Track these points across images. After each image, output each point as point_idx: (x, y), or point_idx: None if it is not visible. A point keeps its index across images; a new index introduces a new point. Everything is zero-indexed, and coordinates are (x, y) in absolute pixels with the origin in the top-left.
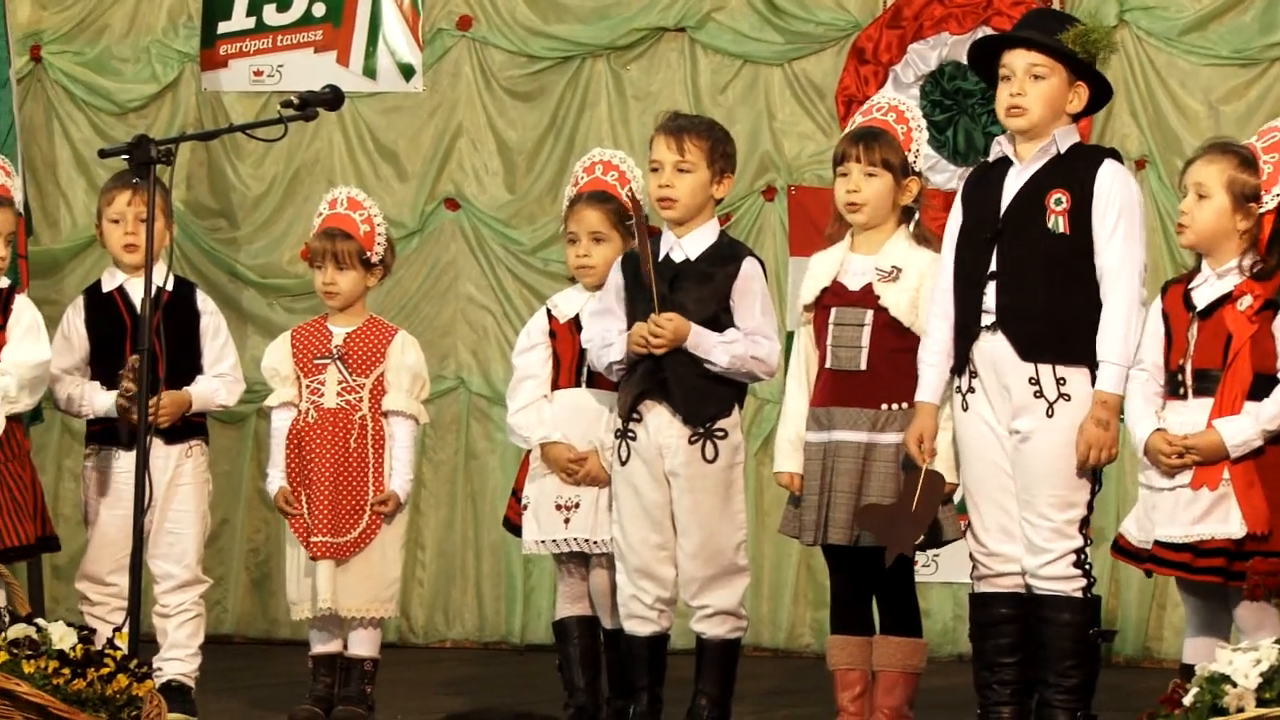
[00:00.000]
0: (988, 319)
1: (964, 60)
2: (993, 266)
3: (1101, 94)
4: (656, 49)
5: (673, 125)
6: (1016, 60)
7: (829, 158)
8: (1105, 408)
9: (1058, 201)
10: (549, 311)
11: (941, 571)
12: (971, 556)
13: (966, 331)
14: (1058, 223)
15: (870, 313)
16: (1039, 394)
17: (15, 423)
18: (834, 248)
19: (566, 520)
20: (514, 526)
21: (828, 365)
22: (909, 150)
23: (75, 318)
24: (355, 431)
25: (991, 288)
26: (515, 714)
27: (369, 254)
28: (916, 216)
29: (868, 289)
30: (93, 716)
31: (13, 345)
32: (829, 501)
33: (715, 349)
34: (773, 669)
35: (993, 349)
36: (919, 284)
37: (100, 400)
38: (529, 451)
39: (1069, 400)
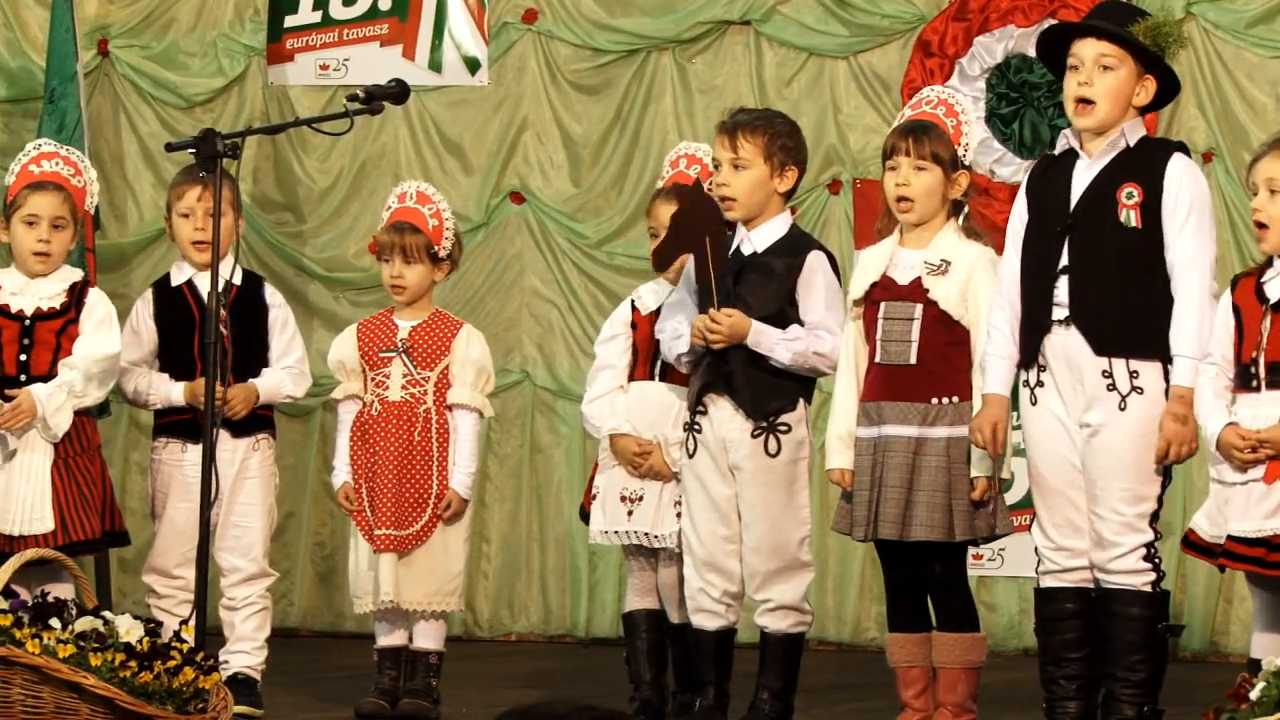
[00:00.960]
0: (1060, 313)
1: (1030, 53)
2: (1065, 260)
3: (1168, 89)
4: (722, 42)
5: (728, 123)
6: (1086, 50)
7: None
8: (1182, 403)
9: (1129, 195)
10: (633, 303)
11: (1007, 566)
12: (1037, 551)
13: (1037, 325)
14: (1129, 216)
15: (919, 307)
16: (1112, 387)
17: (84, 417)
18: (883, 242)
19: (630, 512)
20: (588, 515)
21: (877, 360)
22: (959, 143)
23: (144, 311)
24: (420, 425)
25: (1064, 282)
26: (580, 707)
27: (437, 248)
28: (966, 210)
29: (916, 283)
30: (159, 709)
31: (84, 338)
32: (879, 497)
33: (777, 346)
34: (837, 663)
35: (1065, 343)
36: (968, 277)
37: (169, 390)
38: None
39: (1142, 394)
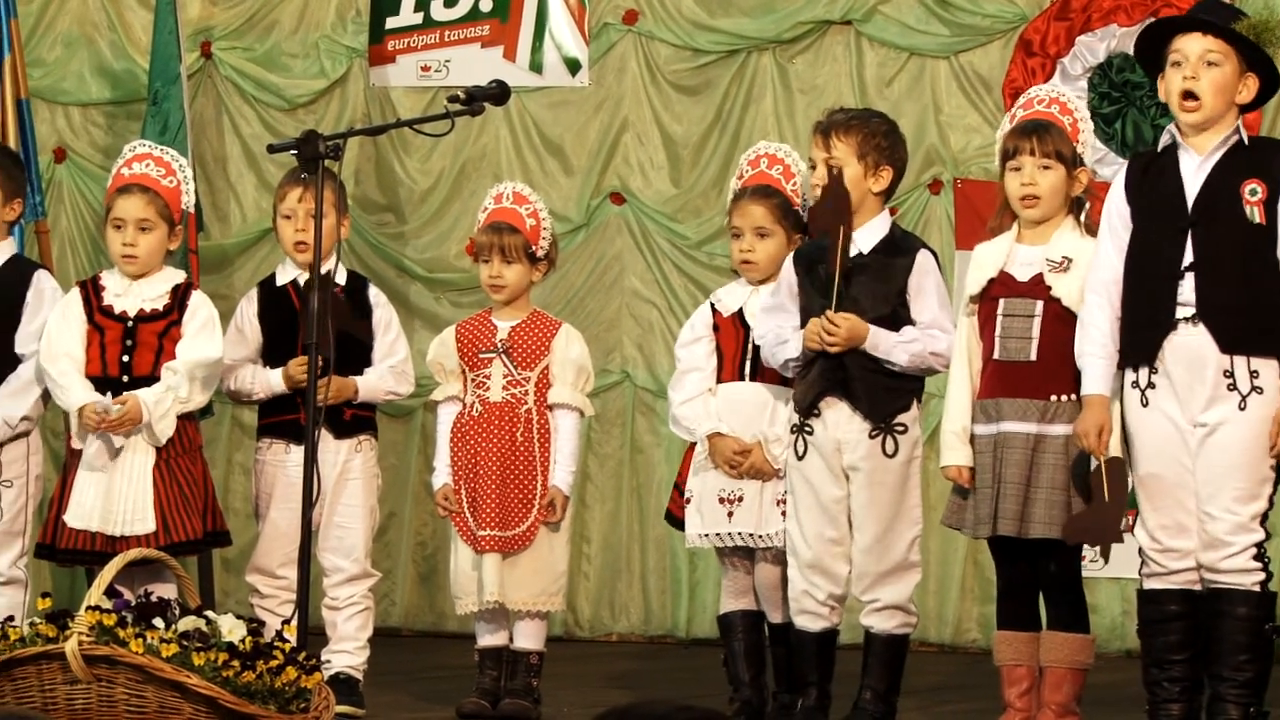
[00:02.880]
0: (1185, 311)
1: (1132, 52)
2: (1189, 258)
3: (1269, 87)
4: (822, 42)
5: (823, 122)
6: (1191, 45)
7: (995, 151)
8: None
9: (1253, 192)
10: (712, 305)
11: (1110, 567)
12: (1141, 553)
13: (1156, 325)
14: (1254, 213)
15: (1040, 303)
16: (1232, 386)
17: (186, 419)
18: (999, 239)
19: (730, 514)
20: (676, 519)
21: (995, 356)
22: (1077, 141)
23: (249, 310)
24: (521, 425)
25: (1189, 279)
26: (679, 707)
27: (535, 248)
28: (1087, 207)
29: (1037, 279)
30: (261, 708)
31: (187, 341)
32: (999, 493)
33: (894, 349)
34: (939, 664)
35: (1189, 342)
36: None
37: (269, 379)
38: (692, 444)
39: (1261, 393)
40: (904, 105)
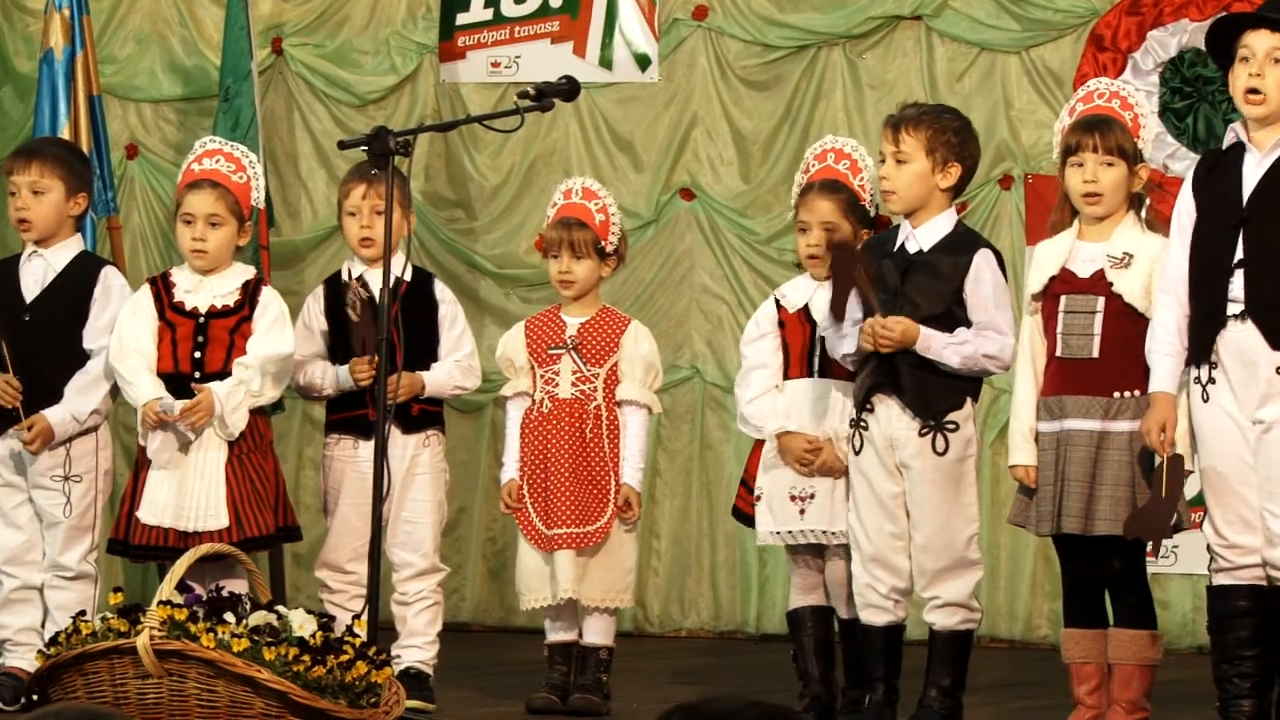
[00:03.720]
0: (1235, 308)
1: (1204, 47)
2: (1239, 255)
3: None
4: (893, 37)
5: (894, 117)
6: (1259, 41)
7: (1054, 144)
8: None
9: None
10: (777, 301)
11: (1180, 563)
12: (1209, 549)
13: (1211, 321)
14: None
15: (1102, 300)
16: None
17: (257, 414)
18: (1060, 235)
19: (802, 511)
20: (743, 516)
21: (1058, 353)
22: (1137, 136)
23: (315, 306)
24: (590, 421)
25: (1239, 276)
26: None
27: (604, 243)
28: (1148, 203)
29: (1099, 276)
30: (332, 703)
31: (258, 336)
32: (1062, 491)
33: (945, 350)
34: (1009, 660)
35: (1240, 338)
36: (1151, 269)
37: (336, 374)
38: (759, 441)
39: None
40: (974, 100)
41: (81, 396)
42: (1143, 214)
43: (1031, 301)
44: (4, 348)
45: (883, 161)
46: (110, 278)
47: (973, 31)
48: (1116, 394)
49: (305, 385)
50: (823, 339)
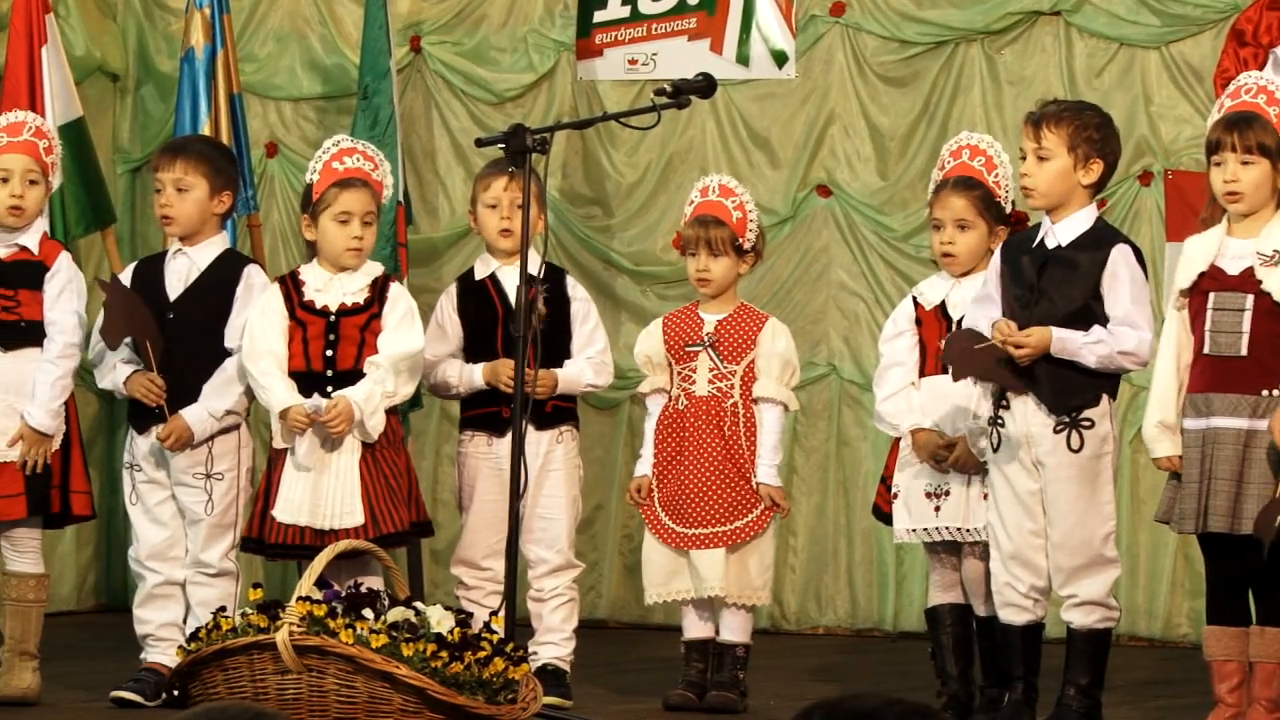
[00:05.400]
0: None
1: None
2: None
3: None
4: (1031, 33)
5: (1035, 114)
6: None
7: (1205, 141)
8: None
9: None
10: (914, 299)
11: None
12: None
13: None
14: None
15: (1251, 297)
16: None
17: (389, 412)
18: (1210, 231)
19: (937, 509)
20: (883, 514)
21: (1206, 351)
22: None
23: (448, 305)
24: (727, 419)
25: None
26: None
27: (741, 241)
28: None
29: (1248, 273)
30: (470, 699)
31: (388, 334)
32: (1208, 489)
33: (1081, 350)
34: (1149, 659)
35: None
36: None
37: (470, 374)
38: (898, 439)
39: None
40: (1114, 96)
41: (217, 395)
42: None
43: (1179, 297)
44: (148, 347)
45: (1023, 158)
46: (253, 276)
47: (1112, 27)
48: (1265, 392)
49: (438, 384)
50: None
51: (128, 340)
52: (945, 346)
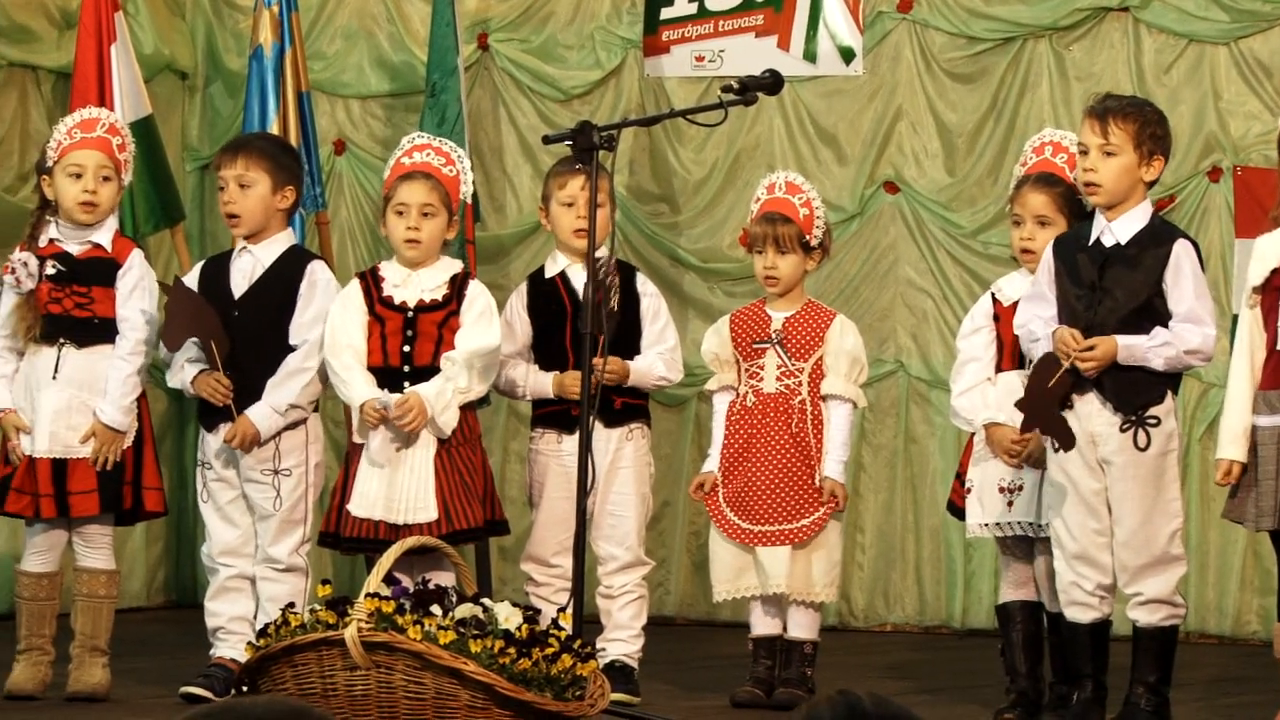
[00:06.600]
0: None
1: None
2: None
3: None
4: (1099, 29)
5: (1098, 108)
6: None
7: (1276, 138)
8: None
9: None
10: (993, 295)
11: None
12: None
13: None
14: None
15: None
16: None
17: (466, 408)
18: None
19: (1010, 503)
20: (957, 509)
21: (1278, 347)
22: None
23: (518, 303)
24: (795, 416)
25: None
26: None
27: (808, 238)
28: None
29: None
30: (538, 696)
31: (466, 330)
32: None
33: (1148, 355)
34: (1218, 656)
35: None
36: None
37: (539, 381)
38: (973, 435)
39: None
40: (1182, 92)
41: (278, 390)
42: None
43: (1252, 294)
44: (213, 347)
45: (1084, 153)
46: (317, 272)
47: (1181, 23)
48: None
49: (506, 385)
50: None
51: (194, 340)
52: (1025, 393)
